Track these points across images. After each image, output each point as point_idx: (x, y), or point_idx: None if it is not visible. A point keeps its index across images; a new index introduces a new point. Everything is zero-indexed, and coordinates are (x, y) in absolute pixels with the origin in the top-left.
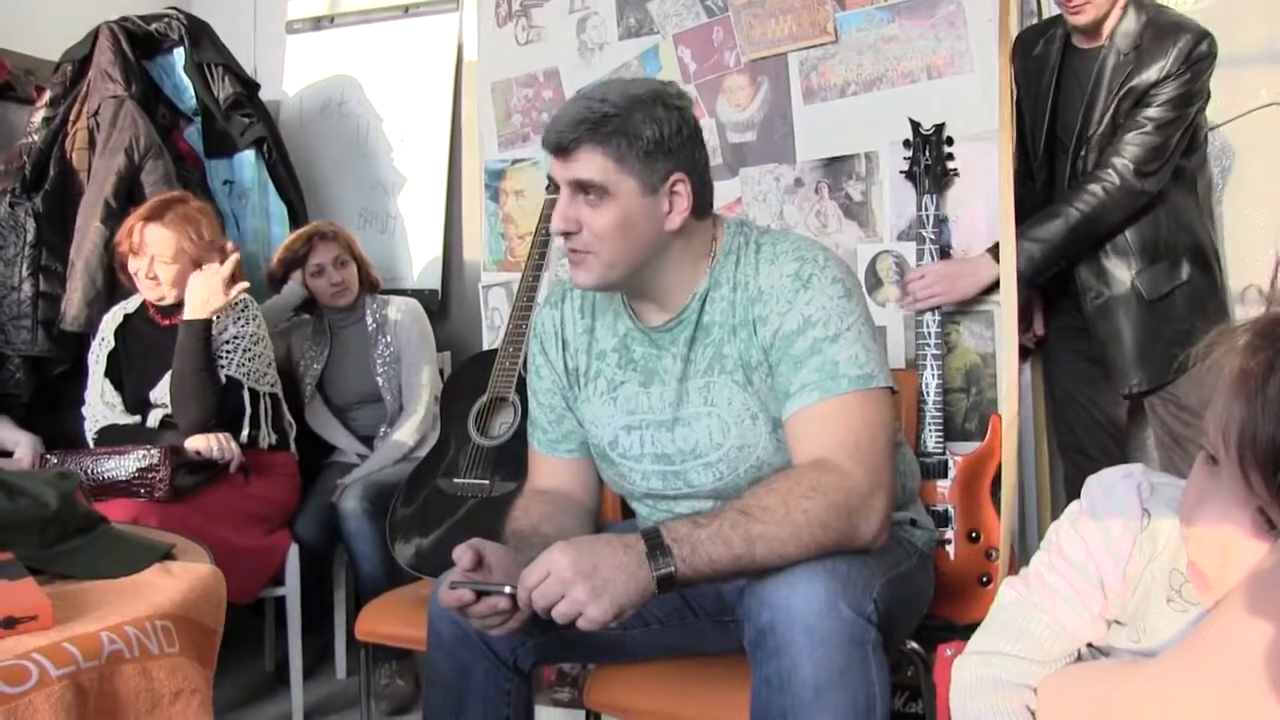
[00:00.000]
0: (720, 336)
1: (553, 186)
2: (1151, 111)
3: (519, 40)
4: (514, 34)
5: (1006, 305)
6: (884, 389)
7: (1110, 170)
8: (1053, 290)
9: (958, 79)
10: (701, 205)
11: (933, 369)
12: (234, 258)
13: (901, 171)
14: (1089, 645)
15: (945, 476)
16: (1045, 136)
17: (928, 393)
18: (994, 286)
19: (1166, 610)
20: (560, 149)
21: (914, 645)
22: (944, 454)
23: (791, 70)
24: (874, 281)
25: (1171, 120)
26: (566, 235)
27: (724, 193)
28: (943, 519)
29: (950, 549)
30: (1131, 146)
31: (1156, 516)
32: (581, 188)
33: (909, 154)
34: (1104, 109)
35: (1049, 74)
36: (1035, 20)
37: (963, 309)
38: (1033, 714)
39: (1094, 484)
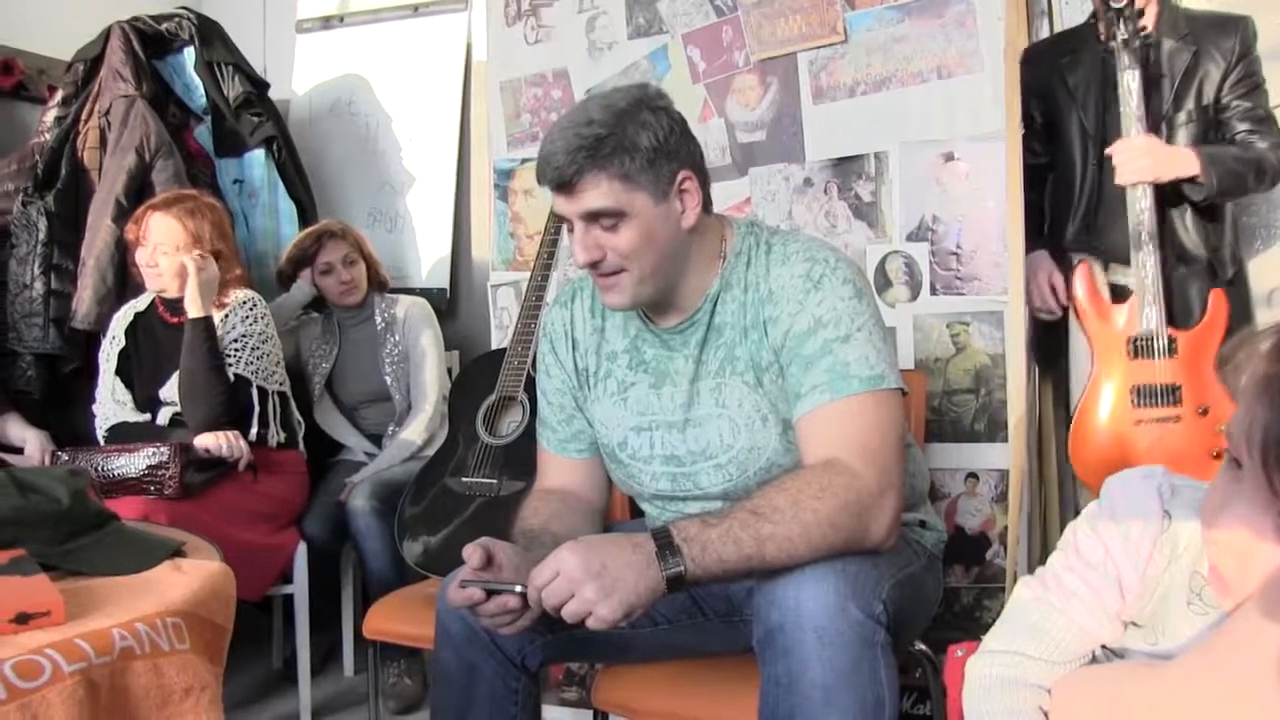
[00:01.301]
0: (732, 338)
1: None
2: (1252, 96)
3: (528, 40)
4: (523, 33)
5: (1015, 305)
6: (894, 390)
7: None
8: None
9: (968, 79)
10: (707, 198)
11: (1150, 249)
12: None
13: (1101, 50)
14: (1104, 647)
15: (1171, 354)
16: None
17: (1145, 271)
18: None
19: (1186, 613)
20: (563, 184)
21: (922, 647)
22: (1165, 332)
23: (801, 70)
24: (883, 282)
25: (1264, 98)
26: (593, 265)
27: (733, 192)
28: (1170, 395)
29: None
30: (1263, 135)
31: (1178, 519)
32: (594, 217)
33: (1103, 29)
34: (1175, 92)
35: (1095, 72)
36: (1045, 19)
37: (973, 311)
38: (1046, 715)
39: (1113, 484)
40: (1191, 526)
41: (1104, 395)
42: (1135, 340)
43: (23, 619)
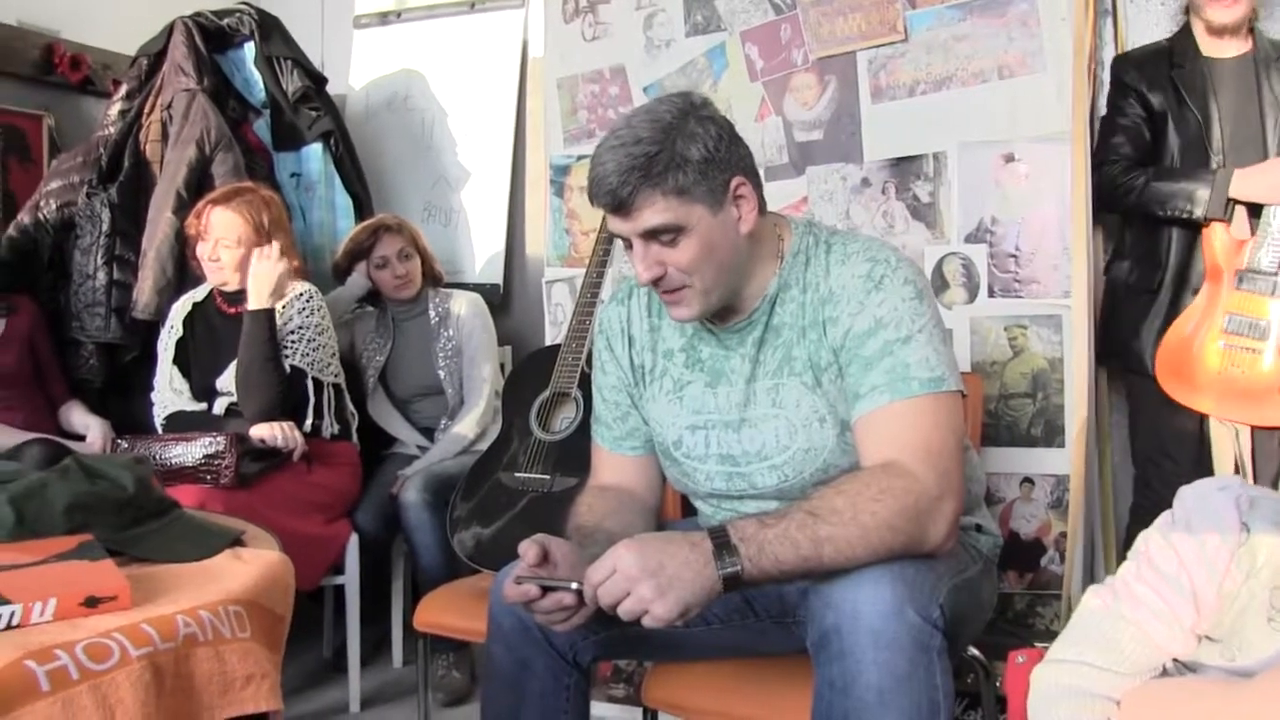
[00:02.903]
0: (790, 338)
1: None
2: None
3: (585, 36)
4: (580, 30)
5: (1078, 308)
6: (955, 392)
7: None
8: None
9: (1030, 79)
10: (761, 200)
11: None
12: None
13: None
14: (1176, 660)
15: (1273, 293)
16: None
17: (1275, 213)
18: None
19: (1266, 630)
20: (618, 206)
21: (975, 652)
22: (1276, 270)
23: (860, 69)
24: (941, 284)
25: None
26: (655, 281)
27: (790, 192)
28: (1257, 329)
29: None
30: None
31: (1257, 531)
32: (654, 234)
33: None
34: None
35: (1205, 82)
36: (1109, 18)
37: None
38: None
39: (1188, 494)
40: (1271, 540)
41: (1202, 313)
42: (1243, 273)
43: (92, 602)
